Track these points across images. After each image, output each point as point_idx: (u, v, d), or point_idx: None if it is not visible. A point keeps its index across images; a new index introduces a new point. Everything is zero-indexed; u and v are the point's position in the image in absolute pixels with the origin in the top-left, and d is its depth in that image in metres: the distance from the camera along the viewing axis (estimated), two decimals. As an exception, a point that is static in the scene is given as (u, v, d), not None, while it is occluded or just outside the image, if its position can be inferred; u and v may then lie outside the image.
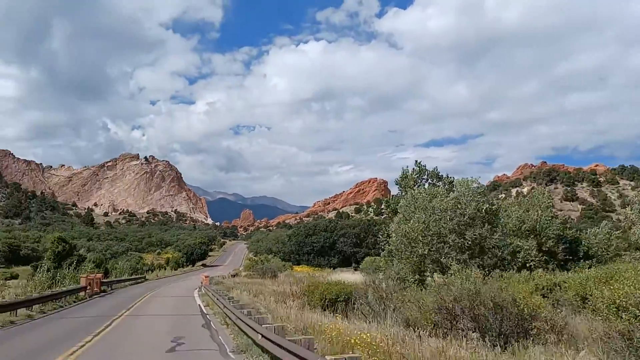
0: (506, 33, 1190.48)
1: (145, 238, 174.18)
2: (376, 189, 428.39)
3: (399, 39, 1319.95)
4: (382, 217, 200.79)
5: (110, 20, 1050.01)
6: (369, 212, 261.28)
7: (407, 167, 41.37)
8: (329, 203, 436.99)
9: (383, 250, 37.83)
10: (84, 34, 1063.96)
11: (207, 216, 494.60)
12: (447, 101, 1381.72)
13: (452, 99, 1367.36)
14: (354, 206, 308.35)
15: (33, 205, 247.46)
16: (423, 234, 29.06)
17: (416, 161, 41.08)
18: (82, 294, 27.29)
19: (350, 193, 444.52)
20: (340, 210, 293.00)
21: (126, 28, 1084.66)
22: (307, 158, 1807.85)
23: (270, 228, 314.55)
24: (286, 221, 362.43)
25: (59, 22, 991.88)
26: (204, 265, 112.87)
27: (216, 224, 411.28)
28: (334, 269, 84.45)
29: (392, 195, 43.20)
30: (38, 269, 27.41)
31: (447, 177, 40.78)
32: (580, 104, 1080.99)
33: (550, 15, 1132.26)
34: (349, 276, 51.66)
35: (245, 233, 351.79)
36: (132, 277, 53.59)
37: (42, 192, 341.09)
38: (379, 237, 42.61)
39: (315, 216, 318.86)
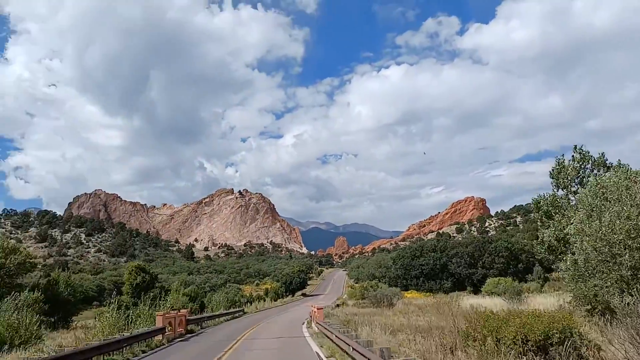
0: (599, 37, 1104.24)
1: (243, 269, 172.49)
2: (474, 208, 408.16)
3: (484, 54, 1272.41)
4: (489, 234, 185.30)
5: (201, 67, 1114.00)
6: (471, 231, 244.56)
7: (562, 155, 32.00)
8: (424, 225, 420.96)
9: (543, 265, 28.84)
10: (179, 82, 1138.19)
11: (302, 245, 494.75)
12: (539, 113, 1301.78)
13: (545, 110, 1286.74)
14: (455, 226, 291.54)
15: (137, 243, 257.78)
16: (631, 236, 19.69)
17: (575, 146, 31.60)
18: (159, 337, 21.05)
19: (447, 214, 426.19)
20: (441, 231, 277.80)
21: (216, 72, 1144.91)
22: (395, 182, 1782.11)
23: (366, 254, 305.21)
24: (381, 246, 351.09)
25: (156, 73, 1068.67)
26: (304, 294, 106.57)
27: (311, 252, 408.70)
28: (447, 293, 74.82)
29: (542, 194, 33.22)
30: (108, 307, 21.35)
31: (620, 164, 30.65)
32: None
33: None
34: (484, 301, 42.14)
35: (340, 261, 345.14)
36: (230, 310, 47.60)
37: (147, 231, 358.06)
38: (532, 252, 33.22)
39: (412, 239, 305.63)
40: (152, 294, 26.51)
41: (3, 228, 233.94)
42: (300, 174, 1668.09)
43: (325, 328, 18.34)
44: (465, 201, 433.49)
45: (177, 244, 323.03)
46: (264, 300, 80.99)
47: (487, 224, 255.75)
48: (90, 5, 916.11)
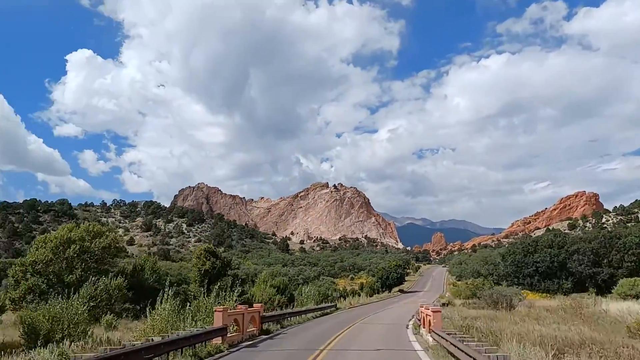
0: None
1: (338, 263, 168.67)
2: (586, 203, 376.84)
3: (594, 39, 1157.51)
4: (603, 230, 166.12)
5: (298, 64, 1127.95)
6: (586, 227, 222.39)
7: None
8: (529, 222, 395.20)
9: None
10: (277, 80, 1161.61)
11: (397, 241, 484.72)
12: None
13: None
14: (566, 222, 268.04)
15: (234, 233, 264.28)
16: None
17: None
18: (217, 341, 16.08)
19: (555, 209, 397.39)
20: (550, 228, 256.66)
21: (312, 69, 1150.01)
22: (497, 177, 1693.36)
23: (465, 251, 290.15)
24: (482, 243, 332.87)
25: (255, 72, 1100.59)
26: (401, 290, 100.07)
27: (407, 248, 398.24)
28: (567, 294, 65.06)
29: None
30: (161, 300, 16.83)
31: None
32: None
33: None
34: (632, 306, 33.57)
35: (438, 257, 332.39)
36: (320, 305, 42.78)
37: (245, 223, 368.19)
38: None
39: (516, 236, 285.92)
40: (222, 283, 22.07)
41: (113, 217, 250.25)
42: (396, 169, 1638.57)
43: (452, 343, 12.07)
44: (576, 196, 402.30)
45: (273, 237, 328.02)
46: (359, 295, 75.82)
47: (603, 220, 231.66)
48: (194, 9, 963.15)
